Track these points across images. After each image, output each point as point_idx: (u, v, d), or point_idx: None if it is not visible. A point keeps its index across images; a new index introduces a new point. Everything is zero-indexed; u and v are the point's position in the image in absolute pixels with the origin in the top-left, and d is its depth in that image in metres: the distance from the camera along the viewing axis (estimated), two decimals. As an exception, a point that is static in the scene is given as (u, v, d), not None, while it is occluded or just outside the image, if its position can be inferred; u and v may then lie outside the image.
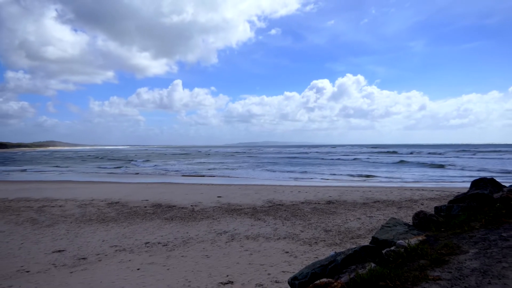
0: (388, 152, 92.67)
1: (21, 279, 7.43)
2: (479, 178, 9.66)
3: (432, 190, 19.84)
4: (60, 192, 21.24)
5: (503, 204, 6.62)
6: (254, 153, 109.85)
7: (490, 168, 39.22)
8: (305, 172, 38.72)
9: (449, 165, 44.77)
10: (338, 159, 65.96)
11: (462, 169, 39.43)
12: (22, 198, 18.73)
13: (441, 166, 43.51)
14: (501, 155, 69.32)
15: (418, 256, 4.07)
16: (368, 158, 64.60)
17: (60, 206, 16.15)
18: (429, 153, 78.76)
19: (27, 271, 7.87)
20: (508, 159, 56.73)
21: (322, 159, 67.31)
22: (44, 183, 28.22)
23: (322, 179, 31.45)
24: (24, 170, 46.32)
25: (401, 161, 53.28)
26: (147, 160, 69.31)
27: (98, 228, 11.94)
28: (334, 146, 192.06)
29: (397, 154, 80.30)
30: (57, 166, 54.45)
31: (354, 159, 62.78)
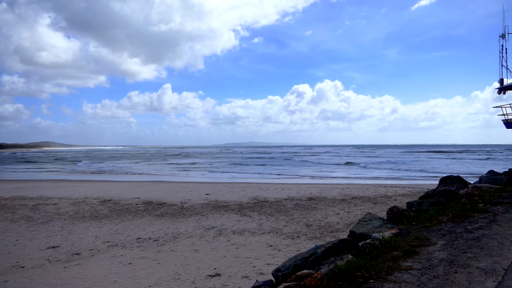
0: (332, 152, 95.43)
1: (16, 274, 7.22)
2: (447, 176, 9.87)
3: (405, 187, 20.17)
4: (54, 190, 20.72)
5: (468, 200, 6.80)
6: (222, 154, 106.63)
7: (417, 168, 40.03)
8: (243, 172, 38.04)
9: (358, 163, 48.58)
10: (290, 158, 67.81)
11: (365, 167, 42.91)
12: (17, 196, 18.19)
13: (350, 164, 48.07)
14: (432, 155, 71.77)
15: (391, 248, 4.14)
16: (319, 158, 65.11)
17: (55, 204, 15.76)
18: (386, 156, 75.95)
19: (22, 267, 7.65)
20: (453, 159, 58.07)
21: (286, 159, 68.19)
22: (39, 182, 27.48)
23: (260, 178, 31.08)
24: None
25: (348, 163, 52.35)
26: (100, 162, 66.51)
27: (91, 224, 11.70)
28: (303, 147, 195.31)
29: (343, 155, 76.67)
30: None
31: (304, 161, 61.66)
